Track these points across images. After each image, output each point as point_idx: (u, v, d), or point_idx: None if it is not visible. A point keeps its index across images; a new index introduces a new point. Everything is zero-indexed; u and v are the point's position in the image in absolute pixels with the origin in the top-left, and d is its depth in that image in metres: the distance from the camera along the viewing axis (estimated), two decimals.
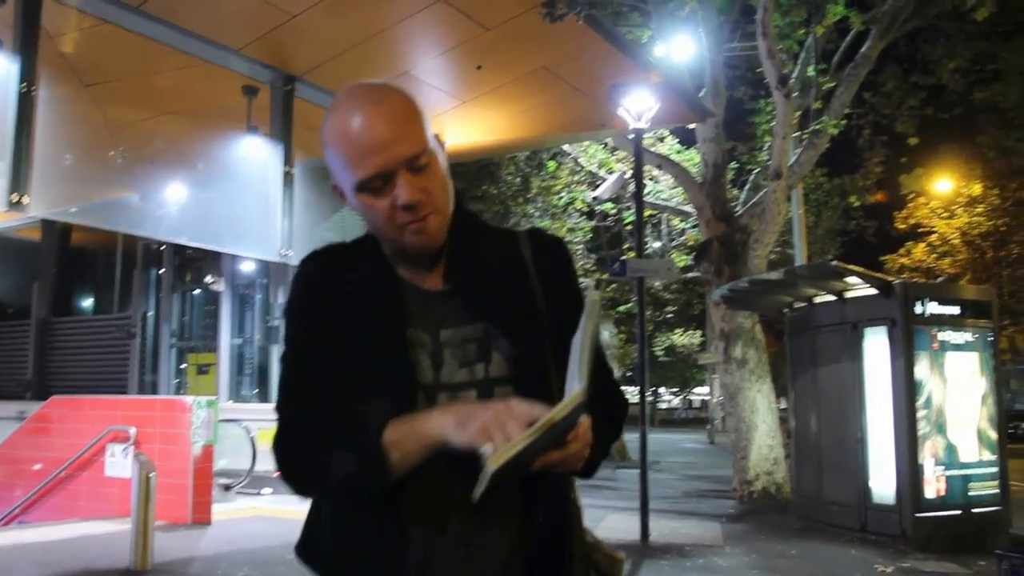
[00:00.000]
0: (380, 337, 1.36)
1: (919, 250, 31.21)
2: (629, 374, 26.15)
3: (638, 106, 9.27)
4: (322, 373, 1.37)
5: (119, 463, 9.14)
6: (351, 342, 1.36)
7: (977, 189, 28.70)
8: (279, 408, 1.39)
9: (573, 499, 1.43)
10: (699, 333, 37.94)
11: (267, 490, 10.79)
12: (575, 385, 1.16)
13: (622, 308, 25.66)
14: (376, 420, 1.28)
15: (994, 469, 8.36)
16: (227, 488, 10.50)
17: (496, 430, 1.16)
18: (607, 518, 9.54)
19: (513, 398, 1.24)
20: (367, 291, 1.40)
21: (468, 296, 1.40)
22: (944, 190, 28.41)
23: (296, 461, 1.36)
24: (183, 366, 17.20)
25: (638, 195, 9.70)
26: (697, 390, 58.94)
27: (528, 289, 1.44)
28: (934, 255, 30.87)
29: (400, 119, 1.31)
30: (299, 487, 1.37)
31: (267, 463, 10.87)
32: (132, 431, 9.12)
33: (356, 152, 1.29)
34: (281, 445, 1.37)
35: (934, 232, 30.80)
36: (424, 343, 1.37)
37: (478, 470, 1.12)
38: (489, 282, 1.41)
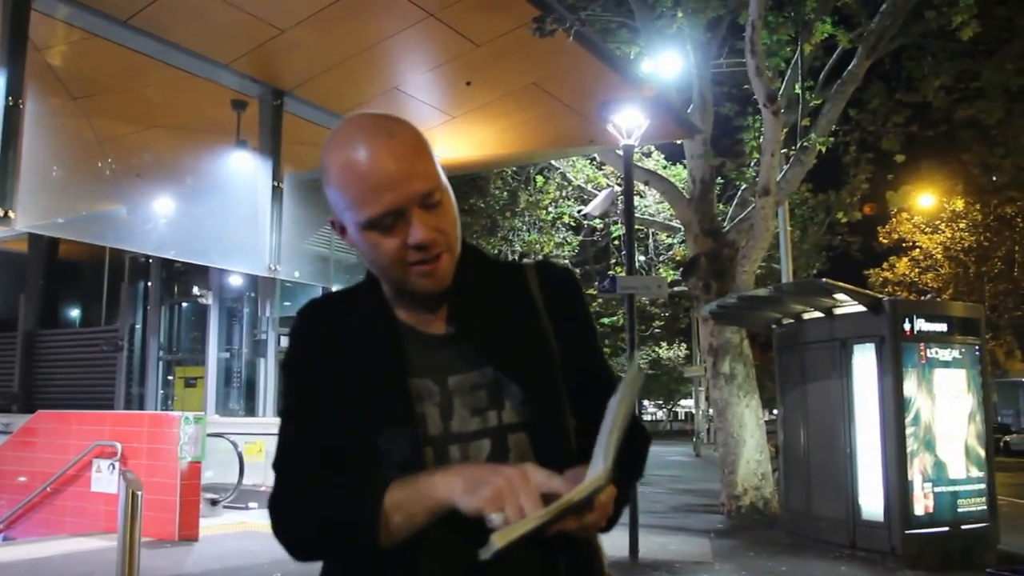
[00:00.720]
0: (381, 392, 1.28)
1: (902, 265, 31.48)
2: None
3: (627, 123, 9.30)
4: (321, 432, 1.29)
5: (105, 479, 9.09)
6: (352, 397, 1.29)
7: (960, 205, 28.94)
8: (276, 467, 1.32)
9: (596, 544, 1.36)
10: (684, 346, 38.09)
11: (254, 504, 10.72)
12: (599, 465, 1.09)
13: (606, 321, 25.76)
14: (377, 482, 1.20)
15: (982, 486, 8.40)
16: (214, 503, 10.43)
17: (509, 499, 1.08)
18: None
19: (529, 464, 1.16)
20: (366, 342, 1.32)
21: (475, 339, 1.32)
22: (927, 205, 28.63)
23: (292, 524, 1.28)
24: (170, 379, 17.10)
25: (628, 212, 9.73)
26: (683, 402, 59.15)
27: (538, 327, 1.37)
28: (917, 269, 31.14)
29: (413, 154, 1.23)
30: (295, 551, 1.28)
31: (254, 477, 10.83)
32: (118, 447, 9.07)
33: (367, 188, 1.21)
34: (276, 507, 1.29)
35: (917, 247, 31.07)
36: (431, 393, 1.29)
37: (487, 531, 1.06)
38: (496, 323, 1.34)
